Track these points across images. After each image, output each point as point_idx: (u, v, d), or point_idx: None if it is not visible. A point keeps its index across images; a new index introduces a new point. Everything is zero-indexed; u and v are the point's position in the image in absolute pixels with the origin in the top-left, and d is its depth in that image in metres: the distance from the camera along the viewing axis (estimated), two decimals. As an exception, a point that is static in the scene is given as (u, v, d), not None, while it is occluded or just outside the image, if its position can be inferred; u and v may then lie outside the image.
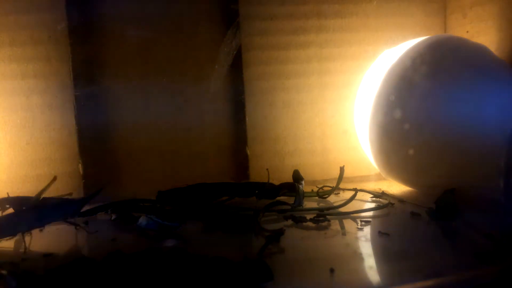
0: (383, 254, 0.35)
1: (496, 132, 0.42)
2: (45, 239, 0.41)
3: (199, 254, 0.31)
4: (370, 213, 0.45)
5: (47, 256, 0.35)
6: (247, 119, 0.56)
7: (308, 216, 0.43)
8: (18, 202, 0.44)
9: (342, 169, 0.51)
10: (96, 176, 0.53)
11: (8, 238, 0.39)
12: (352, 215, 0.44)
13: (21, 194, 0.51)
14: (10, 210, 0.44)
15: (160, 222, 0.40)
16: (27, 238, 0.39)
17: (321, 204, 0.48)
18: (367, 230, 0.39)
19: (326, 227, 0.40)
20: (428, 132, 0.44)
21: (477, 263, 0.32)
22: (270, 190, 0.49)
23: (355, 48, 0.59)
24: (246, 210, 0.44)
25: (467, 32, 0.57)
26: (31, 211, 0.41)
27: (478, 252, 0.33)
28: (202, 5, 0.55)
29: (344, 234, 0.39)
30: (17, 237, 0.39)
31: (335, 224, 0.41)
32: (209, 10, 0.55)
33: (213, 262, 0.30)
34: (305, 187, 0.49)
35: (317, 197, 0.50)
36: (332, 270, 0.30)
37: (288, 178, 0.51)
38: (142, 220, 0.41)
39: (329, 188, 0.51)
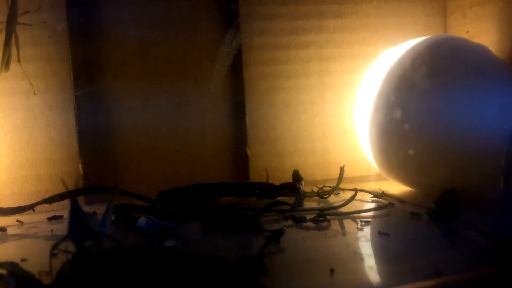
0: (383, 254, 0.35)
1: (496, 132, 0.42)
2: (42, 239, 0.41)
3: (192, 252, 0.31)
4: (370, 213, 0.45)
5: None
6: (247, 119, 0.56)
7: (308, 216, 0.43)
8: None
9: (342, 169, 0.51)
10: (96, 176, 0.53)
11: None
12: (352, 215, 0.44)
13: (21, 195, 0.51)
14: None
15: (160, 223, 0.40)
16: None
17: (321, 204, 0.48)
18: (367, 230, 0.39)
19: (326, 227, 0.40)
20: (428, 132, 0.44)
21: (477, 263, 0.32)
22: (270, 190, 0.49)
23: (355, 48, 0.59)
24: (246, 210, 0.44)
25: (467, 32, 0.57)
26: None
27: (478, 252, 0.33)
28: (202, 5, 0.55)
29: (344, 234, 0.39)
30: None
31: (335, 224, 0.41)
32: (209, 10, 0.55)
33: (206, 260, 0.30)
34: (305, 187, 0.49)
35: (317, 197, 0.50)
36: (332, 270, 0.30)
37: (288, 178, 0.51)
38: (142, 221, 0.41)
39: (329, 188, 0.51)
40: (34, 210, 0.47)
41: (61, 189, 0.49)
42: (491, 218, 0.41)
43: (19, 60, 0.48)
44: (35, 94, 0.50)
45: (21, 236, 0.42)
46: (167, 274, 0.29)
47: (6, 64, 0.48)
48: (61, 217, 0.47)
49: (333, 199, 0.50)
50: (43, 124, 0.52)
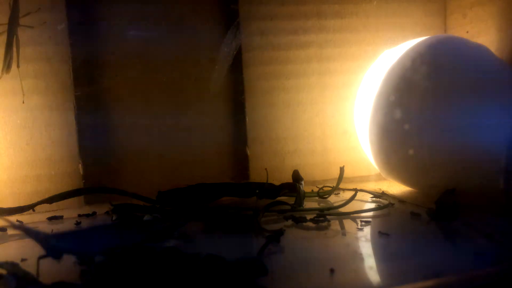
0: (383, 254, 0.35)
1: (496, 132, 0.42)
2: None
3: (192, 253, 0.31)
4: (370, 213, 0.45)
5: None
6: (247, 119, 0.56)
7: (308, 216, 0.43)
8: None
9: (342, 169, 0.51)
10: (96, 176, 0.53)
11: None
12: (352, 215, 0.44)
13: (21, 195, 0.51)
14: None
15: (160, 223, 0.40)
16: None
17: (321, 204, 0.48)
18: (367, 230, 0.39)
19: (326, 227, 0.40)
20: (428, 132, 0.44)
21: (477, 263, 0.32)
22: (270, 190, 0.49)
23: (355, 48, 0.59)
24: (246, 210, 0.44)
25: (467, 32, 0.57)
26: None
27: (478, 252, 0.33)
28: (202, 5, 0.55)
29: (344, 234, 0.39)
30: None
31: (335, 224, 0.41)
32: (209, 10, 0.55)
33: (206, 260, 0.30)
34: (305, 187, 0.49)
35: (317, 197, 0.50)
36: (332, 270, 0.30)
37: (288, 178, 0.51)
38: (147, 218, 0.41)
39: (329, 188, 0.51)
40: (34, 210, 0.47)
41: (61, 189, 0.49)
42: (491, 218, 0.41)
43: (18, 66, 0.48)
44: (23, 102, 0.50)
45: (21, 236, 0.42)
46: (168, 274, 0.29)
47: (8, 66, 0.48)
48: (61, 217, 0.47)
49: (333, 199, 0.50)
50: (43, 124, 0.52)
